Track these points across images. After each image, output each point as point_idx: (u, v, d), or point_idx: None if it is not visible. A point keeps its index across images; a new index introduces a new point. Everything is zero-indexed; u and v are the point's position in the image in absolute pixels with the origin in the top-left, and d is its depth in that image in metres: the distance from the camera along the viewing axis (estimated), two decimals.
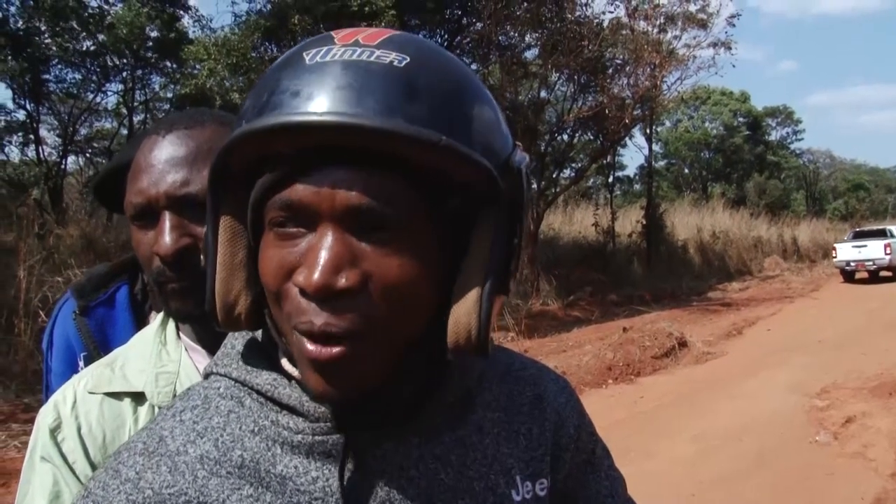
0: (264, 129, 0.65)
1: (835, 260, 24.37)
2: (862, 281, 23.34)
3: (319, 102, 0.64)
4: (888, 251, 22.88)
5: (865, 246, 23.32)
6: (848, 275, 23.80)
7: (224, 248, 0.74)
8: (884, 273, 23.13)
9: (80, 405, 1.11)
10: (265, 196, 0.69)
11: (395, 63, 0.66)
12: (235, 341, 0.82)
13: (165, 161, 1.10)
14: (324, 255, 0.64)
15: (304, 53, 0.68)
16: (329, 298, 0.64)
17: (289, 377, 0.76)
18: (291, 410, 0.74)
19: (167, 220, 1.08)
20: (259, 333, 0.82)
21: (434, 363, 0.78)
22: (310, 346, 0.66)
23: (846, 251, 23.85)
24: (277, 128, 0.64)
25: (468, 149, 0.66)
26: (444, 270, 0.71)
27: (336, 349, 0.65)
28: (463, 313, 0.69)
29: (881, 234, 24.19)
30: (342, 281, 0.64)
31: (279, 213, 0.67)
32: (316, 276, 0.63)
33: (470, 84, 0.72)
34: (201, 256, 0.77)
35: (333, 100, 0.64)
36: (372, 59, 0.66)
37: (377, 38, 0.68)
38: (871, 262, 23.00)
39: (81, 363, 1.42)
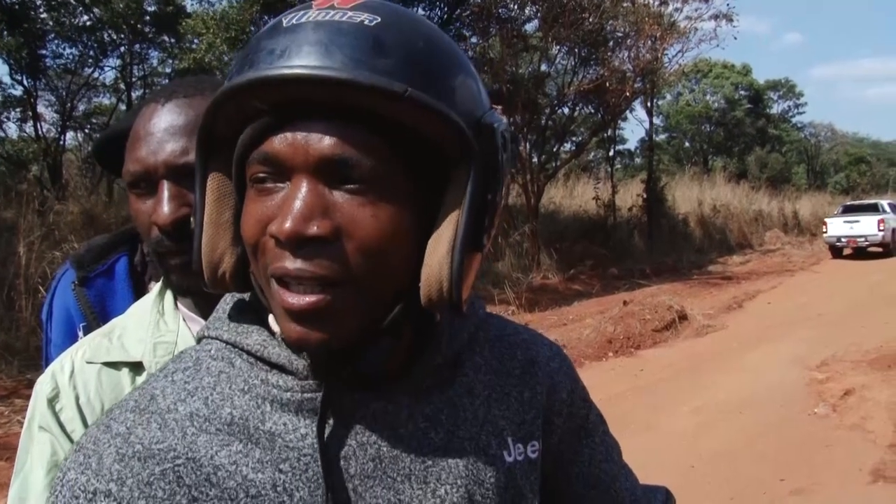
0: (241, 85, 0.67)
1: (825, 235, 23.00)
2: (849, 257, 22.28)
3: (290, 58, 0.66)
4: (882, 227, 21.84)
5: (858, 221, 22.12)
6: (837, 251, 22.53)
7: (211, 207, 0.77)
8: (872, 249, 22.01)
9: (77, 375, 1.12)
10: (246, 152, 0.72)
11: (366, 22, 0.68)
12: (226, 305, 0.83)
13: (165, 130, 1.09)
14: (296, 205, 0.66)
15: (283, 18, 0.71)
16: (302, 246, 0.66)
17: (275, 335, 0.78)
18: (281, 369, 0.76)
19: (166, 190, 1.08)
20: (249, 297, 0.83)
21: (423, 325, 0.80)
22: (287, 298, 0.68)
23: (837, 226, 22.55)
24: (252, 82, 0.67)
25: (435, 101, 0.67)
26: (423, 229, 0.72)
27: (311, 298, 0.67)
28: (435, 265, 0.70)
29: (873, 208, 23.10)
30: (313, 228, 0.66)
31: (258, 168, 0.70)
32: (287, 223, 0.65)
33: (441, 44, 0.73)
34: (190, 219, 0.78)
35: (304, 55, 0.66)
36: (343, 18, 0.68)
37: (351, 2, 0.70)
38: (863, 238, 21.87)
39: (81, 334, 1.42)
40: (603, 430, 0.97)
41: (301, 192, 0.67)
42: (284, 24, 0.69)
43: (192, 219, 0.77)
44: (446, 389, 0.81)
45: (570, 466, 0.92)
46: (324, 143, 0.67)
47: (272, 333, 0.78)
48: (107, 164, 1.41)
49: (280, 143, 0.68)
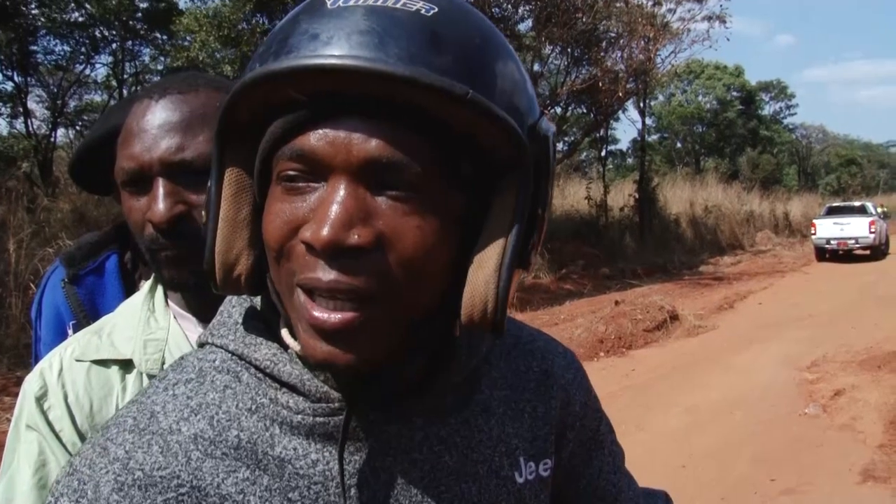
0: (279, 72, 0.60)
1: (813, 237, 22.10)
2: (833, 259, 21.69)
3: (339, 46, 0.60)
4: (873, 229, 21.27)
5: (849, 223, 21.33)
6: (823, 253, 21.76)
7: (228, 202, 0.69)
8: (859, 251, 21.53)
9: (66, 373, 1.10)
10: (275, 146, 0.65)
11: (423, 12, 0.62)
12: (233, 309, 0.77)
13: (159, 126, 1.07)
14: (335, 210, 0.60)
15: None
16: (338, 256, 0.60)
17: (288, 349, 0.72)
18: (292, 388, 0.70)
19: (161, 187, 1.06)
20: (258, 302, 0.77)
21: (442, 341, 0.74)
22: (315, 313, 0.62)
23: (826, 228, 21.67)
24: (294, 70, 0.60)
25: (496, 107, 0.61)
26: (462, 242, 0.66)
27: (343, 315, 0.61)
28: (481, 283, 0.64)
29: (861, 210, 22.46)
30: (354, 237, 0.60)
31: (289, 165, 0.63)
32: (325, 230, 0.59)
33: (499, 42, 0.68)
34: (202, 212, 0.73)
35: (354, 44, 0.60)
36: (398, 6, 0.62)
37: None
38: (853, 241, 21.21)
39: (71, 332, 1.40)
40: (611, 439, 0.95)
41: (339, 196, 0.60)
42: (329, 6, 0.62)
43: (203, 213, 0.73)
44: (462, 409, 0.77)
45: (580, 479, 0.90)
46: (370, 143, 0.60)
47: (283, 347, 0.72)
48: (86, 180, 1.38)
49: (318, 139, 0.61)
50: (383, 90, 0.60)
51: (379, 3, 0.62)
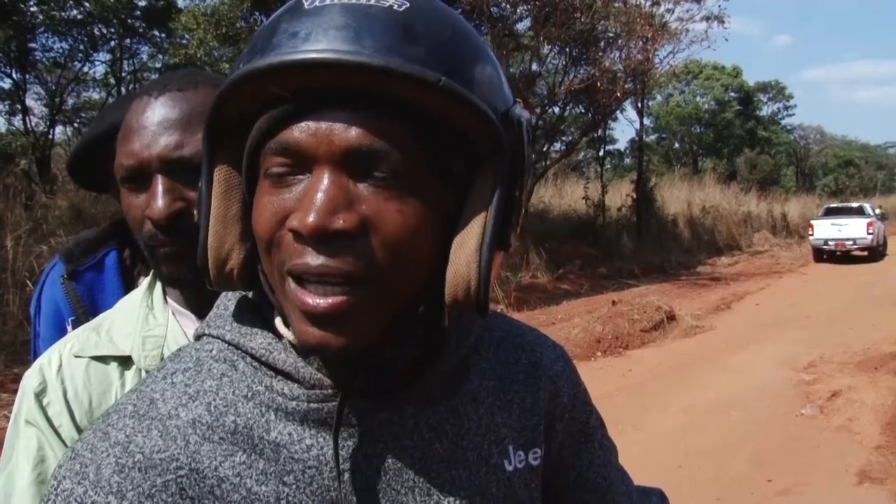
0: (261, 69, 0.63)
1: (811, 238, 22.20)
2: (831, 260, 21.73)
3: (317, 41, 0.63)
4: (871, 230, 21.31)
5: (847, 224, 21.42)
6: (820, 254, 21.85)
7: (218, 200, 0.72)
8: (857, 252, 21.60)
9: (65, 369, 1.10)
10: (261, 141, 0.68)
11: (395, 7, 0.65)
12: (228, 302, 0.80)
13: (158, 123, 1.08)
14: (320, 197, 0.63)
15: (304, 0, 0.67)
16: (325, 241, 0.63)
17: (282, 338, 0.74)
18: (286, 376, 0.73)
19: (160, 184, 1.06)
20: (252, 295, 0.79)
21: (431, 330, 0.77)
22: (306, 299, 0.64)
23: (824, 229, 21.76)
24: (274, 67, 0.63)
25: (468, 92, 0.65)
26: (445, 228, 0.69)
27: (332, 300, 0.64)
28: (462, 263, 0.67)
29: (859, 211, 22.53)
30: (339, 222, 0.62)
31: (275, 159, 0.66)
32: (311, 217, 0.62)
33: (469, 35, 0.71)
34: (195, 211, 0.75)
35: (331, 38, 0.63)
36: (371, 2, 0.65)
37: None
38: (851, 242, 21.26)
39: (70, 328, 1.41)
40: (602, 433, 0.96)
41: (324, 184, 0.63)
42: (306, 6, 0.66)
43: (195, 212, 0.75)
44: (452, 397, 0.79)
45: (569, 471, 0.91)
46: (350, 133, 0.63)
47: (277, 336, 0.75)
48: (84, 177, 1.40)
49: (301, 132, 0.64)
50: (361, 81, 0.63)
51: (353, 1, 0.65)
